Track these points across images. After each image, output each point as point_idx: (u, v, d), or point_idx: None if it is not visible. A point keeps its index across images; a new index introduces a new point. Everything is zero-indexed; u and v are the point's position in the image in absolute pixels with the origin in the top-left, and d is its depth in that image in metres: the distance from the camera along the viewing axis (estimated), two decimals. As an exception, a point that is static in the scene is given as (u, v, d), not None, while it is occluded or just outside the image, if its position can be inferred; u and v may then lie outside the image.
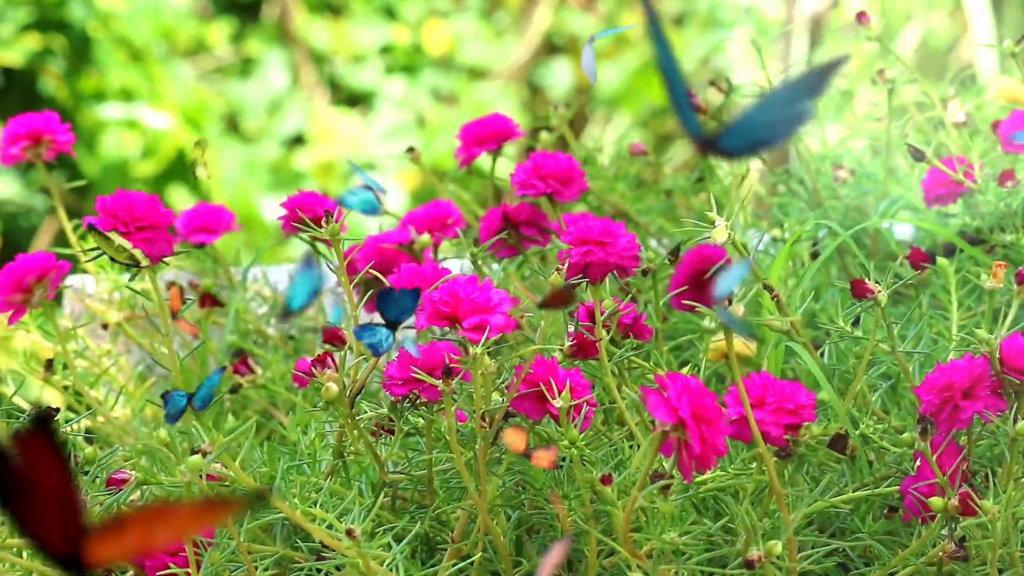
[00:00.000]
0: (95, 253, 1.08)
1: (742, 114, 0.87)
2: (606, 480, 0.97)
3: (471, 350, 0.97)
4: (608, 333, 1.05)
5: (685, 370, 1.12)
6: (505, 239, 1.23)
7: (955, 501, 0.97)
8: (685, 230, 1.06)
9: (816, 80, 0.84)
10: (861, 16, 1.38)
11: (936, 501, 0.97)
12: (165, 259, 1.10)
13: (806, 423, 0.96)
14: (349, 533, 0.93)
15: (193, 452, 0.94)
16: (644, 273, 1.14)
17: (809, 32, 3.61)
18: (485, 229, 1.24)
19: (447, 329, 1.00)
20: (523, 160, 1.25)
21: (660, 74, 0.84)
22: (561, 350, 1.04)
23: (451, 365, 0.97)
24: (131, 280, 1.12)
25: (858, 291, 1.05)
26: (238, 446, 1.02)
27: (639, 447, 1.04)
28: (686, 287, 1.20)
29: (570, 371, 1.00)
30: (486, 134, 1.34)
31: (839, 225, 1.39)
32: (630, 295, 1.11)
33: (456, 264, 1.33)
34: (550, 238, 1.24)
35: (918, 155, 1.22)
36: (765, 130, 0.86)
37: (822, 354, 1.14)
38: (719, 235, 1.04)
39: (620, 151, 1.53)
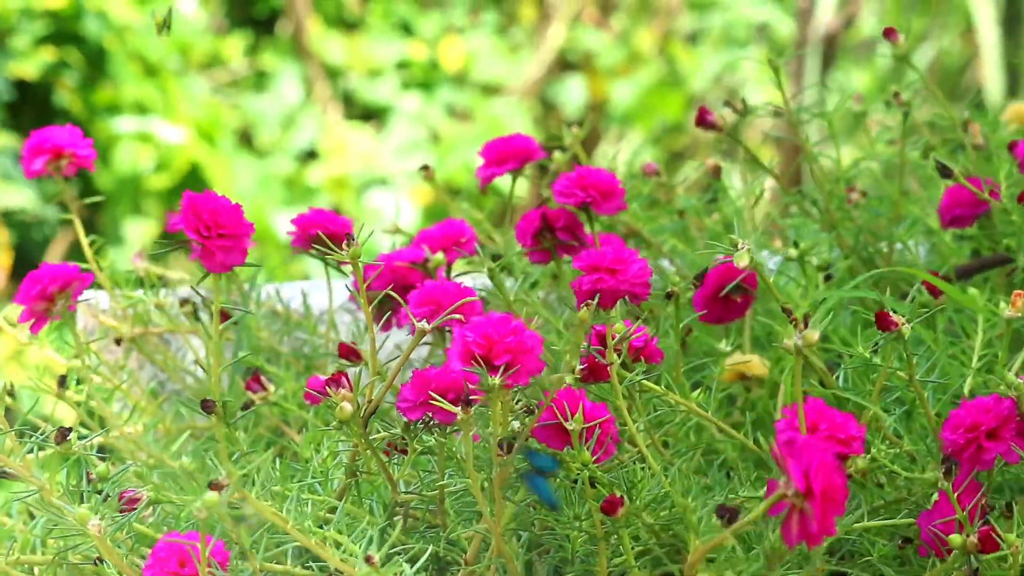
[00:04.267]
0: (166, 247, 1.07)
1: None
2: (614, 503, 0.98)
3: (490, 381, 0.96)
4: (619, 357, 1.04)
5: (698, 392, 1.12)
6: (538, 243, 1.23)
7: (975, 539, 0.96)
8: (704, 252, 1.06)
9: None
10: (890, 33, 1.38)
11: (956, 538, 0.97)
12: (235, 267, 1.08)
13: (853, 455, 0.96)
14: (368, 560, 0.93)
15: (209, 485, 0.93)
16: (668, 297, 1.14)
17: (822, 51, 3.61)
18: (522, 230, 1.23)
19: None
20: (534, 179, 1.25)
21: None
22: (573, 373, 1.04)
23: (471, 397, 0.97)
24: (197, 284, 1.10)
25: (883, 324, 1.04)
26: (256, 473, 1.02)
27: (650, 470, 1.04)
28: (712, 303, 1.18)
29: (596, 404, 1.00)
30: (509, 153, 1.34)
31: (852, 247, 1.39)
32: (640, 318, 1.11)
33: (469, 282, 1.33)
34: (583, 249, 1.22)
35: (946, 172, 1.20)
36: None
37: (837, 378, 1.13)
38: (742, 260, 1.04)
39: (633, 169, 1.53)
